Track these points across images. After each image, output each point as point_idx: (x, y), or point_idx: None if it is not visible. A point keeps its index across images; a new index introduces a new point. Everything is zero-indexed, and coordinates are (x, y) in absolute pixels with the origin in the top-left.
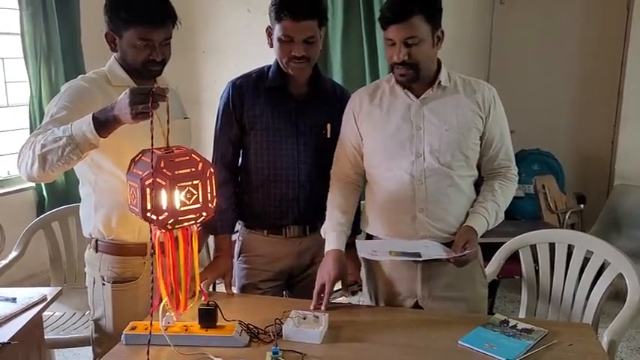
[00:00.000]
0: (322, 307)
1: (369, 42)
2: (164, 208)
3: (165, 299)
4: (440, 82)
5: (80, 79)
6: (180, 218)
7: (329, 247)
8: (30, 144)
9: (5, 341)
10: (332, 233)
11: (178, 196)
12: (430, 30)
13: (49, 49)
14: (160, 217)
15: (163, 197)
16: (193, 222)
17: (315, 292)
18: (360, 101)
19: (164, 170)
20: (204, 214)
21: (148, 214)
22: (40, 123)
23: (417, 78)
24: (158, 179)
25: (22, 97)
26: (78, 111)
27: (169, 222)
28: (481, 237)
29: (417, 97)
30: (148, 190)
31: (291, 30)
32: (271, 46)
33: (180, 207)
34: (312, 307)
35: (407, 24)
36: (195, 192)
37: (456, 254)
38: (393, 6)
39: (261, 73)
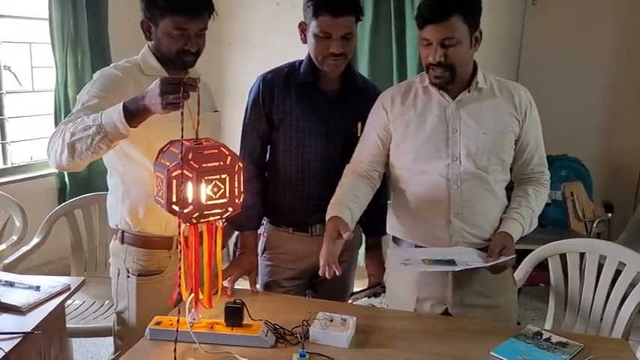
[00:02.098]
0: (336, 272)
1: (398, 38)
2: (190, 201)
3: (191, 296)
4: (477, 83)
5: (113, 67)
6: (205, 212)
7: (327, 216)
8: (60, 132)
9: (29, 331)
10: (331, 207)
11: (205, 190)
12: (468, 31)
13: (76, 36)
14: (185, 211)
15: (189, 190)
16: (219, 217)
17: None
18: (392, 99)
19: (191, 162)
20: (231, 209)
21: (173, 207)
22: (65, 109)
23: (453, 80)
24: (185, 171)
25: (48, 83)
26: (109, 100)
27: (194, 216)
28: None
29: (453, 98)
30: (174, 181)
31: (329, 26)
32: (304, 42)
33: (207, 201)
34: (325, 273)
35: (445, 24)
36: (223, 186)
37: (493, 261)
38: (431, 5)
39: (292, 68)
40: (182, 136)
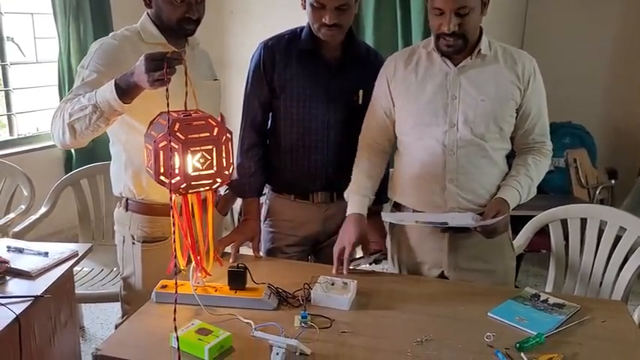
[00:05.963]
0: (344, 272)
1: (403, 6)
2: (177, 172)
3: (192, 262)
4: (480, 50)
5: (111, 36)
6: (193, 183)
7: (350, 210)
8: (60, 112)
9: (39, 294)
10: (355, 197)
11: (191, 161)
12: None
13: (77, 5)
14: (173, 181)
15: (176, 161)
16: (208, 188)
17: (335, 256)
18: (395, 66)
19: (178, 133)
20: (219, 180)
21: (161, 177)
22: (69, 79)
23: (465, 48)
24: (171, 142)
25: (51, 54)
26: (109, 73)
27: (182, 186)
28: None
29: (455, 64)
30: (161, 152)
31: None
32: (304, 7)
33: (194, 172)
34: (333, 272)
35: None
36: (210, 157)
37: (485, 223)
38: None
39: (293, 35)
40: (168, 108)
